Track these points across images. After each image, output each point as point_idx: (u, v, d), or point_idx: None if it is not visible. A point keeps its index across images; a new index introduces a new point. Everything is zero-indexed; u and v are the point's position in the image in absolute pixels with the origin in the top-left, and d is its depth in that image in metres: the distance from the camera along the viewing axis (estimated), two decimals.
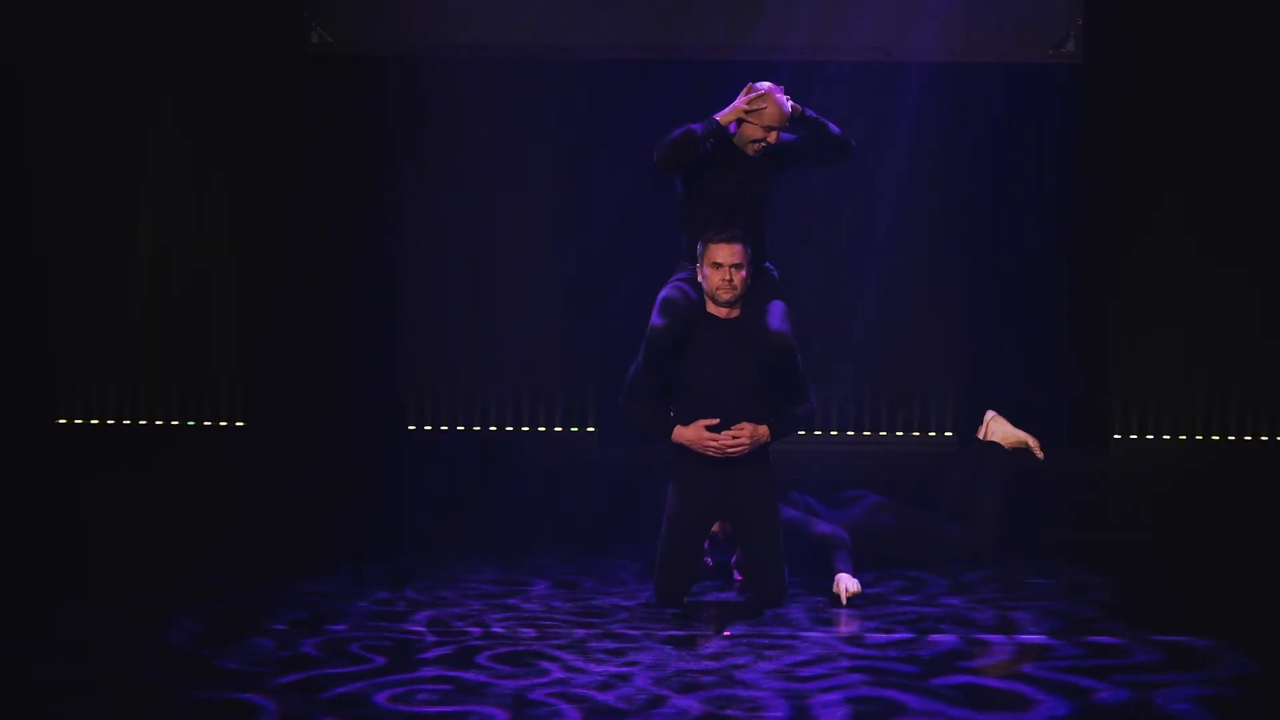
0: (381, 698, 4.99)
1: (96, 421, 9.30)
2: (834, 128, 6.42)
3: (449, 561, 6.89)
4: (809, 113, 6.39)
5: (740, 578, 6.49)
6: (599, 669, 5.32)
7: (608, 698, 5.00)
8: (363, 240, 9.04)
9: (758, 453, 6.15)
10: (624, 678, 5.25)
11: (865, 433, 9.22)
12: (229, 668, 5.34)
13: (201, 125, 9.12)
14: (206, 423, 9.29)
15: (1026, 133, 8.87)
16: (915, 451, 9.06)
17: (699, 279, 6.16)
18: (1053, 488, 7.71)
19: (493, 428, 9.23)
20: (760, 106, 6.26)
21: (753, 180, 6.35)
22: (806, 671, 5.35)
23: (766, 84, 6.32)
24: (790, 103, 6.33)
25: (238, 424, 9.27)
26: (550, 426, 9.26)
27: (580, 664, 5.37)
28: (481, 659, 5.41)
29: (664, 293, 6.19)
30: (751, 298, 6.20)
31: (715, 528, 6.46)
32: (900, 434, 9.22)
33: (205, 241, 9.22)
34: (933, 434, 9.20)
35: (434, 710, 4.89)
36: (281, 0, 8.87)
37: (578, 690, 5.07)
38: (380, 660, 5.40)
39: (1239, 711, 4.94)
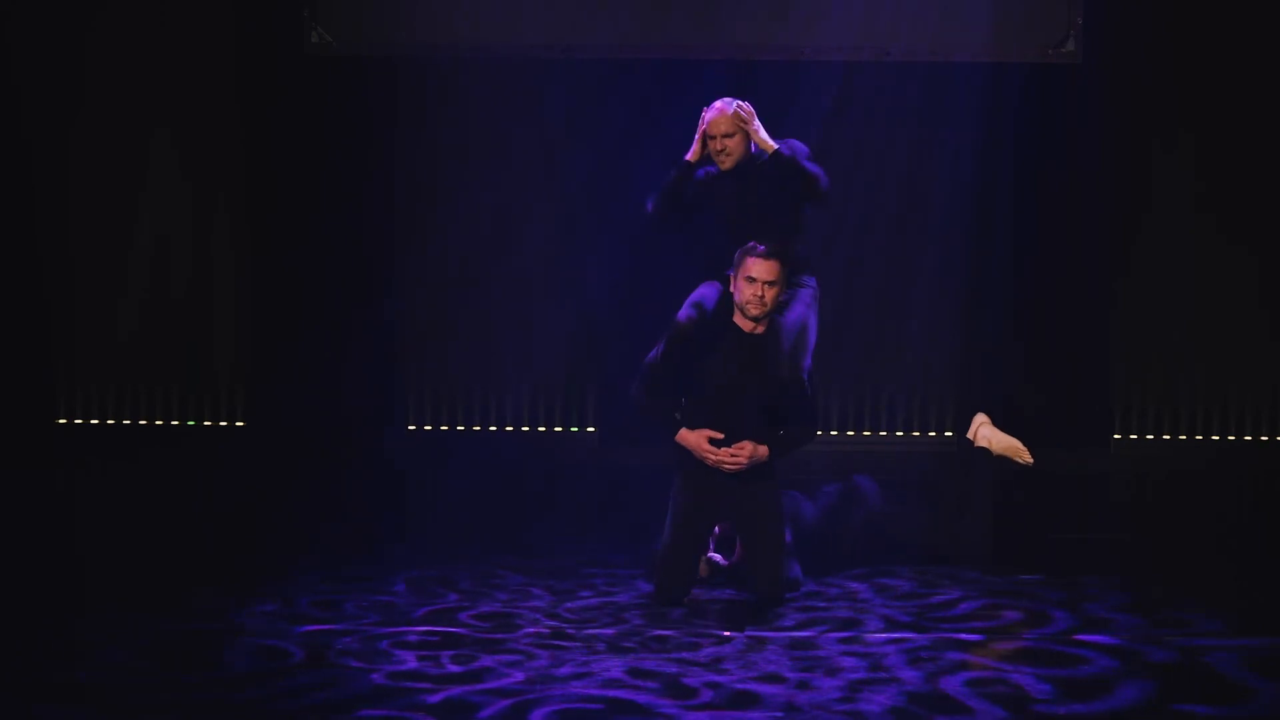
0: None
1: (96, 421, 9.30)
2: (810, 167, 6.35)
3: (457, 563, 6.87)
4: (781, 149, 6.35)
5: (725, 563, 6.48)
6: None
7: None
8: (363, 240, 9.04)
9: None
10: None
11: (865, 433, 9.22)
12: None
13: (201, 125, 9.12)
14: (206, 423, 9.30)
15: (1026, 133, 8.87)
16: (915, 451, 9.06)
17: (731, 289, 6.14)
18: (1053, 488, 7.70)
19: (492, 428, 9.24)
20: (706, 121, 6.33)
21: (754, 195, 6.35)
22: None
23: (716, 103, 6.37)
24: (734, 106, 6.32)
25: (238, 424, 9.28)
26: (550, 426, 9.27)
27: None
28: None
29: (698, 292, 6.22)
30: (782, 312, 6.18)
31: (717, 529, 6.47)
32: (900, 434, 9.22)
33: (205, 242, 9.22)
34: (933, 434, 9.20)
35: None
36: (281, 0, 8.87)
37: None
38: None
39: None
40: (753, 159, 6.37)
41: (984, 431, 7.04)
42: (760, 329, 6.13)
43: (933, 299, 9.08)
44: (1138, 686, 5.20)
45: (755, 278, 6.03)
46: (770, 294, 6.04)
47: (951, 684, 5.21)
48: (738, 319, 6.14)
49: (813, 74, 8.63)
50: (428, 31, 8.81)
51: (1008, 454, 6.98)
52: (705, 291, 6.23)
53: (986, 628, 5.91)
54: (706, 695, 5.09)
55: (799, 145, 6.43)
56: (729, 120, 6.30)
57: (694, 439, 6.11)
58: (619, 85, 8.84)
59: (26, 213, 9.12)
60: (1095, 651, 5.57)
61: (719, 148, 6.32)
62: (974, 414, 7.29)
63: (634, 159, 8.50)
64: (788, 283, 6.18)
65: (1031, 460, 7.00)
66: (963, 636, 5.77)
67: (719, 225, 6.41)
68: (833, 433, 9.16)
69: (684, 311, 6.12)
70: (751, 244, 6.07)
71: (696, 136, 6.39)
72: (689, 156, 6.41)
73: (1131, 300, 9.07)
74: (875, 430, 9.22)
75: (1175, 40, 8.86)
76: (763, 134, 6.36)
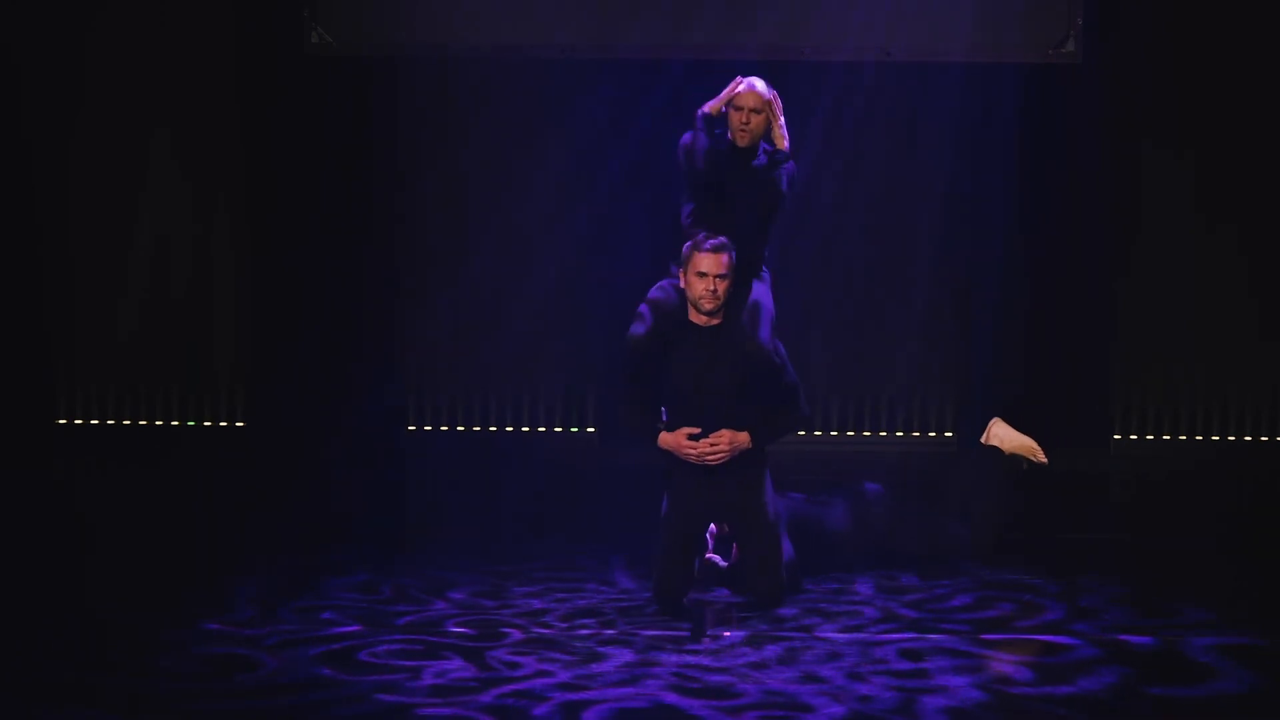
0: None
1: (96, 421, 9.31)
2: (786, 185, 6.35)
3: (457, 565, 6.86)
4: (788, 152, 6.36)
5: (724, 564, 6.48)
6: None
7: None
8: (363, 240, 9.05)
9: (752, 454, 6.12)
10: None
11: (865, 433, 9.22)
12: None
13: (201, 125, 9.12)
14: (206, 423, 9.30)
15: (1026, 133, 8.87)
16: (915, 451, 9.06)
17: (682, 285, 6.13)
18: (1053, 488, 7.71)
19: (492, 428, 9.25)
20: (737, 91, 6.32)
21: (752, 191, 6.34)
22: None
23: (750, 77, 6.38)
24: (770, 91, 6.32)
25: (238, 424, 9.28)
26: (550, 426, 9.27)
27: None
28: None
29: (647, 300, 6.19)
30: (736, 300, 6.15)
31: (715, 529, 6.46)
32: (900, 434, 9.22)
33: (205, 242, 9.23)
34: (933, 434, 9.20)
35: None
36: (281, 0, 8.88)
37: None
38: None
39: None
40: (751, 153, 6.35)
41: (996, 430, 7.02)
42: (716, 321, 6.11)
43: (933, 299, 9.09)
44: (1115, 672, 5.28)
45: (706, 272, 6.01)
46: (722, 286, 6.02)
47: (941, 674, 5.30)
48: (693, 315, 6.12)
49: (813, 74, 8.63)
50: (428, 31, 8.81)
51: (1021, 452, 6.96)
52: (654, 297, 6.19)
53: (984, 620, 5.94)
54: (720, 696, 5.10)
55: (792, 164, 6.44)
56: (761, 100, 6.31)
57: (672, 439, 6.09)
58: (618, 86, 8.84)
59: (26, 213, 9.12)
60: (1083, 641, 5.65)
61: (744, 120, 6.29)
62: (983, 415, 7.29)
63: (629, 159, 8.51)
64: (741, 276, 6.16)
65: (1046, 460, 6.98)
66: (962, 629, 5.80)
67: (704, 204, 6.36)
68: (833, 433, 9.17)
69: (635, 325, 6.08)
70: (700, 237, 6.05)
71: (722, 96, 6.33)
72: (707, 109, 6.37)
73: (1131, 300, 9.07)
74: (875, 430, 9.22)
75: (1175, 41, 8.87)
76: (784, 129, 6.37)
